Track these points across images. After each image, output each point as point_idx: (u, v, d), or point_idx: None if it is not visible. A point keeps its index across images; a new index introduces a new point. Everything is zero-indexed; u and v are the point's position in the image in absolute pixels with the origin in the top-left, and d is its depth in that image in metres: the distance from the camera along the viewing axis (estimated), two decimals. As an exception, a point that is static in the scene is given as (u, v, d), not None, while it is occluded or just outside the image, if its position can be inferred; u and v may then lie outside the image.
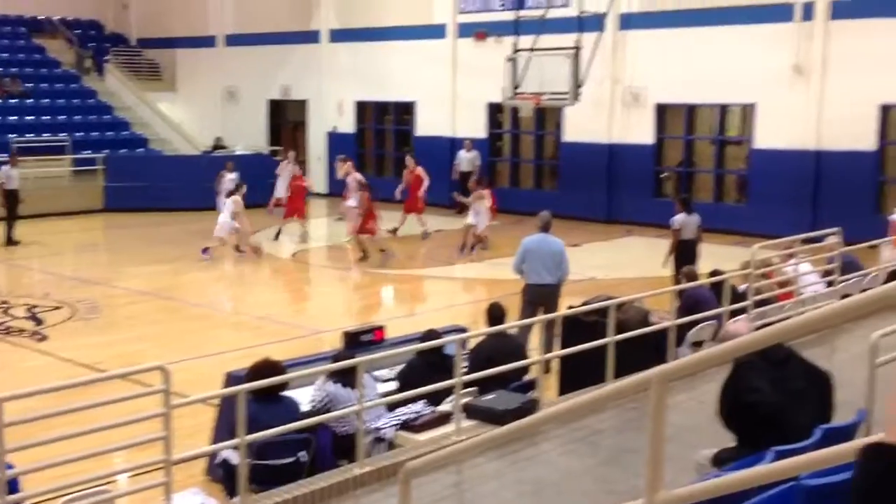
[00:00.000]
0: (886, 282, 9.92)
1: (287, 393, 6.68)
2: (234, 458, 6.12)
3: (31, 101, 28.20)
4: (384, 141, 27.65)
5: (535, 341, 7.69)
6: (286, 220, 19.98)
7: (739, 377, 4.90)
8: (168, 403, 5.44)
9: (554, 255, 10.63)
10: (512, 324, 8.49)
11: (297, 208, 19.87)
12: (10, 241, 19.32)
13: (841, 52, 18.74)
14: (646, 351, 8.39)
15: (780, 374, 4.86)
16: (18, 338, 12.25)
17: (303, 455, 6.53)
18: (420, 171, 20.42)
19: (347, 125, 27.56)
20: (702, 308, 9.01)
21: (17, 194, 19.58)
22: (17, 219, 19.60)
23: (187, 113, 31.29)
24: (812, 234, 11.95)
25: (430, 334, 7.75)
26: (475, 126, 24.45)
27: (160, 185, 23.48)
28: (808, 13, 19.05)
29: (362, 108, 27.42)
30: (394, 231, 19.96)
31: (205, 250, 17.45)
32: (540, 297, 10.51)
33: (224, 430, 6.74)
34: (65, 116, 28.04)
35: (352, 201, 18.62)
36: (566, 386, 8.51)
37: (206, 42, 30.74)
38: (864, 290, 9.86)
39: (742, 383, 4.85)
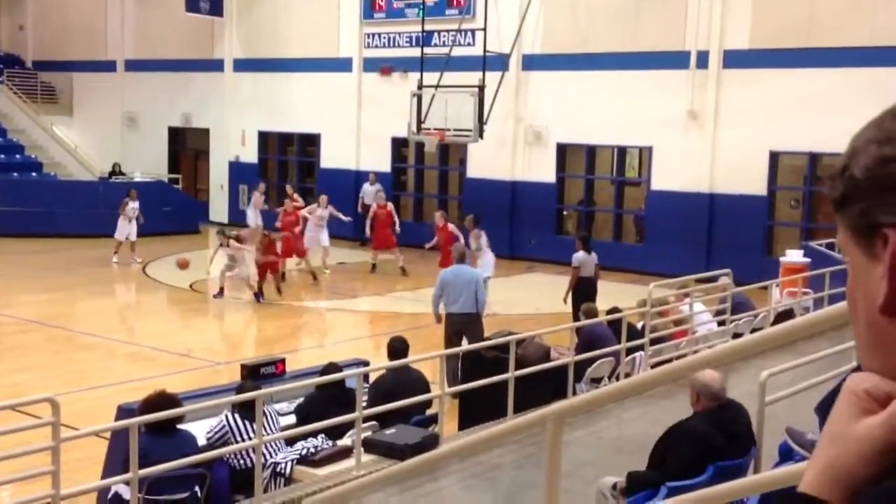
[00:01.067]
0: (775, 322, 10.28)
1: (184, 426, 6.53)
2: (125, 492, 5.95)
3: (-82, 120, 27.13)
4: (287, 172, 27.46)
5: (436, 376, 7.70)
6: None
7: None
8: (57, 436, 5.28)
9: (469, 284, 11.06)
10: (420, 356, 8.49)
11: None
12: None
13: (733, 99, 19.48)
14: (546, 386, 8.51)
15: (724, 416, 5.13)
16: None
17: (197, 490, 6.38)
18: (390, 207, 20.69)
19: (250, 155, 27.29)
20: (600, 345, 9.18)
21: None
22: None
23: (84, 138, 30.51)
24: (705, 275, 12.33)
25: (331, 367, 7.70)
26: (380, 159, 24.51)
27: (53, 211, 22.79)
28: (702, 61, 19.77)
29: (265, 138, 27.22)
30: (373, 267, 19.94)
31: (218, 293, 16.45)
32: (461, 325, 10.97)
33: (116, 464, 6.54)
34: (-47, 137, 27.06)
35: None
36: (466, 420, 8.54)
37: (106, 66, 30.11)
38: (755, 330, 10.21)
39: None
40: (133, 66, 29.61)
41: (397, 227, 20.48)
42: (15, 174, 26.59)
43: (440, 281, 11.20)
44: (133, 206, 20.36)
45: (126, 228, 20.24)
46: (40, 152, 28.89)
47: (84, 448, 7.41)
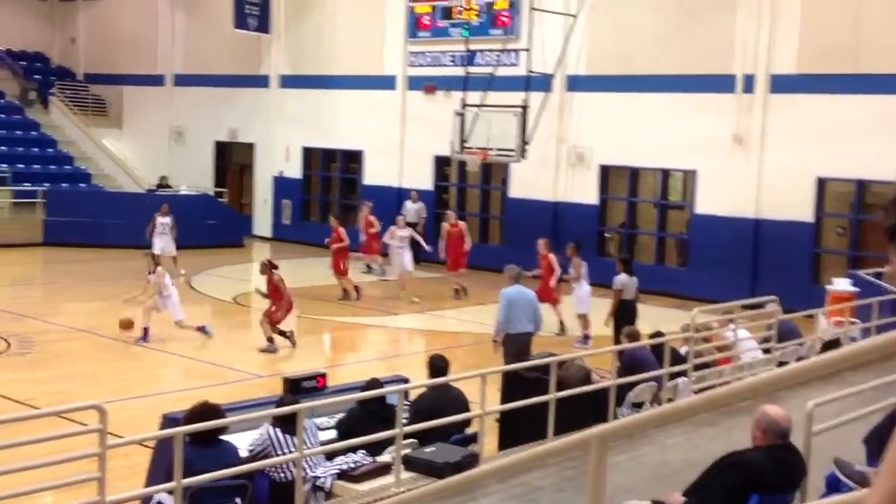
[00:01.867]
0: (822, 351, 10.15)
1: (227, 437, 6.59)
2: (168, 501, 6.01)
3: (-28, 129, 27.75)
4: (330, 188, 27.66)
5: (475, 394, 7.70)
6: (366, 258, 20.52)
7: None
8: (104, 443, 5.35)
9: (530, 304, 11.43)
10: (460, 375, 8.49)
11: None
12: None
13: (780, 124, 19.33)
14: (586, 409, 8.46)
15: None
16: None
17: (238, 502, 6.43)
18: (462, 225, 20.13)
19: (294, 170, 27.53)
20: (643, 369, 9.11)
21: None
22: None
23: (133, 150, 30.99)
24: (751, 301, 12.20)
25: (373, 383, 7.73)
26: (422, 177, 24.62)
27: (101, 222, 23.15)
28: (748, 86, 19.64)
29: (309, 154, 27.45)
30: (462, 290, 19.44)
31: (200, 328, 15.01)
32: (523, 345, 11.11)
33: (159, 472, 6.62)
34: (6, 147, 27.61)
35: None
36: (506, 441, 8.52)
37: (155, 80, 30.59)
38: (800, 359, 10.09)
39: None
40: (182, 80, 30.05)
41: (467, 246, 19.92)
42: (65, 185, 27.06)
43: (507, 301, 11.36)
44: (163, 221, 20.31)
45: (159, 242, 20.17)
46: (90, 164, 29.39)
47: (128, 456, 7.51)
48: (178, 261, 20.45)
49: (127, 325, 14.41)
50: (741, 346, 10.42)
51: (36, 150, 28.59)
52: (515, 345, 11.15)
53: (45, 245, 23.77)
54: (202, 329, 14.63)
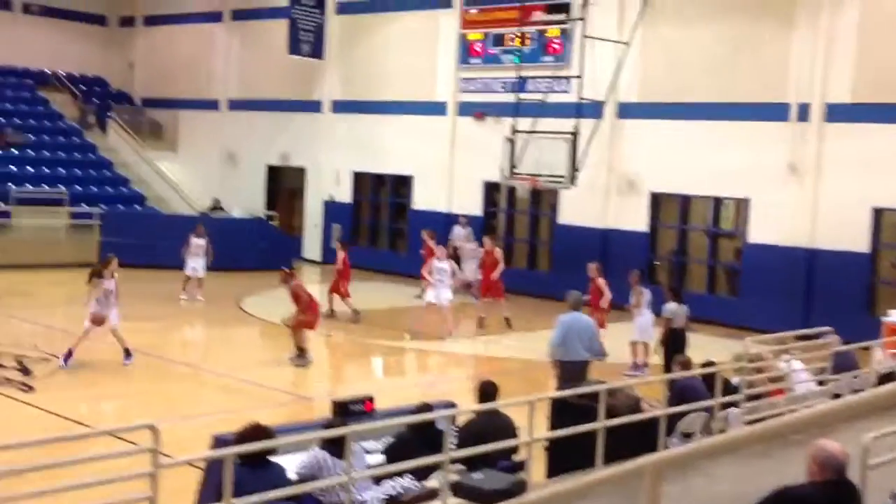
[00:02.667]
0: (878, 384, 9.94)
1: (275, 459, 6.62)
2: (217, 522, 6.04)
3: (32, 152, 28.38)
4: (379, 212, 27.83)
5: (523, 420, 7.65)
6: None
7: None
8: (156, 463, 5.39)
9: (588, 333, 11.29)
10: (509, 401, 8.45)
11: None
12: None
13: (835, 153, 19.08)
14: (635, 439, 8.36)
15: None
16: (5, 387, 12.13)
17: (286, 524, 6.44)
18: (498, 253, 19.51)
19: (344, 195, 27.75)
20: (694, 398, 9.00)
21: None
22: None
23: (186, 173, 31.48)
24: (807, 332, 12.00)
25: (423, 408, 7.72)
26: (471, 203, 24.66)
27: (155, 243, 23.50)
28: (803, 114, 19.43)
29: (360, 178, 27.66)
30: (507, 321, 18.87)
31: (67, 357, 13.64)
32: (576, 373, 10.91)
33: (209, 493, 6.66)
34: (64, 170, 28.21)
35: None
36: (554, 468, 8.44)
37: (209, 105, 31.11)
38: (856, 392, 9.89)
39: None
40: (235, 105, 30.52)
41: (496, 275, 19.26)
42: (121, 207, 27.55)
43: (561, 327, 11.21)
44: (198, 242, 20.30)
45: (191, 263, 20.21)
46: (145, 186, 29.90)
47: (178, 476, 7.56)
48: (202, 284, 20.36)
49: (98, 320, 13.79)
50: (795, 378, 10.24)
51: (93, 172, 29.17)
52: (567, 371, 11.03)
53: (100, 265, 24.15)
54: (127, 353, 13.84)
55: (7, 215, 24.68)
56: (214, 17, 30.97)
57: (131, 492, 5.82)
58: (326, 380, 14.76)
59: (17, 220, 24.68)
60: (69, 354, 13.53)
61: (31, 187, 26.13)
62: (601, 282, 16.26)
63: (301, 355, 14.58)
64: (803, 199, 19.49)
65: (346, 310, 18.55)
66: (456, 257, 21.86)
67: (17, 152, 28.06)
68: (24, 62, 32.53)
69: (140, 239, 24.13)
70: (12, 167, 27.20)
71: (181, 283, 20.14)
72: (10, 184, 25.70)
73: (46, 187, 26.52)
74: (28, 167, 27.51)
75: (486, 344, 17.72)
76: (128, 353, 13.85)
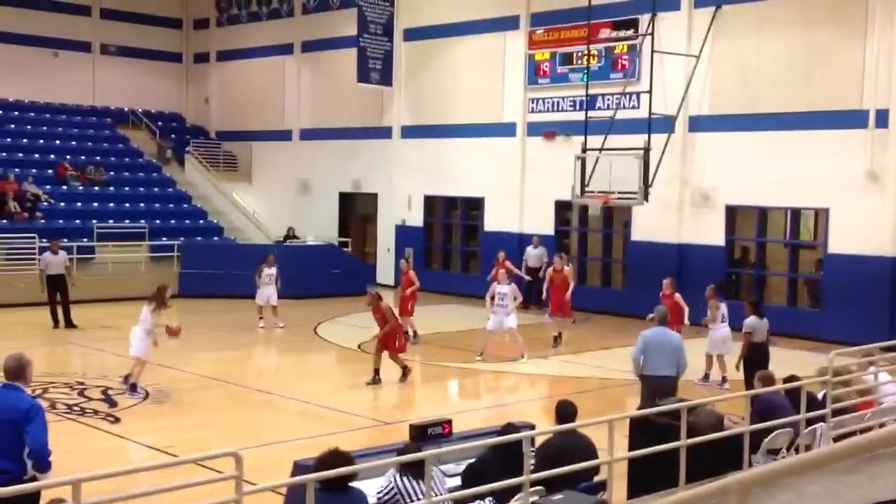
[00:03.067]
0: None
1: (355, 484, 6.66)
2: (300, 548, 6.09)
3: (113, 188, 29.24)
4: (451, 235, 27.92)
5: (602, 441, 7.57)
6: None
7: None
8: (240, 490, 5.47)
9: (673, 349, 11.11)
10: (588, 421, 8.37)
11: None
12: (69, 324, 19.77)
13: (916, 158, 18.57)
14: (718, 457, 8.20)
15: None
16: (93, 419, 12.46)
17: (368, 549, 6.47)
18: (567, 271, 19.57)
19: (416, 219, 27.93)
20: (778, 414, 8.80)
21: (63, 279, 19.90)
22: (68, 303, 19.90)
23: (261, 203, 32.08)
24: (894, 343, 11.66)
25: (509, 428, 7.68)
26: (543, 222, 24.59)
27: (232, 273, 23.95)
28: (882, 120, 18.96)
29: (430, 202, 27.81)
30: (558, 337, 18.93)
31: (127, 381, 14.03)
32: (659, 389, 10.77)
33: (291, 519, 6.73)
34: (144, 204, 28.99)
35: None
36: (635, 489, 8.33)
37: (282, 136, 31.69)
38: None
39: None
40: (307, 134, 31.03)
41: (568, 295, 19.38)
42: (199, 238, 28.17)
43: (642, 342, 11.18)
44: (269, 272, 20.37)
45: (265, 292, 20.34)
46: (222, 217, 30.55)
47: (260, 502, 7.67)
48: (277, 311, 20.59)
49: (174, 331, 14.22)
50: (882, 390, 9.95)
51: (171, 205, 29.93)
52: (649, 387, 10.98)
53: (180, 296, 24.68)
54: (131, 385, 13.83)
55: (91, 250, 25.42)
56: (285, 49, 31.59)
57: (216, 519, 5.92)
58: (402, 404, 14.79)
59: (100, 254, 25.42)
60: (133, 385, 13.76)
61: (112, 222, 26.89)
62: (678, 297, 16.17)
63: (377, 378, 14.90)
64: (884, 206, 18.99)
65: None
66: (531, 279, 21.83)
67: (98, 189, 28.94)
68: (103, 101, 33.65)
69: (217, 269, 24.62)
70: (95, 204, 28.05)
71: (257, 312, 20.41)
72: (93, 220, 26.51)
73: (128, 222, 27.28)
74: (110, 203, 28.35)
75: (561, 364, 17.58)
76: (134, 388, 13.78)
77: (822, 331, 18.91)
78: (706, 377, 15.18)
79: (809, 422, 8.83)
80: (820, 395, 9.28)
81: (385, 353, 15.04)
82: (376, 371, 14.95)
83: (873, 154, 19.05)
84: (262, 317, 20.46)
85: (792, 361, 13.91)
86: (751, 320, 13.36)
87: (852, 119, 19.29)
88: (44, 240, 24.00)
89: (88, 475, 5.11)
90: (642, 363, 11.11)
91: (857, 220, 19.29)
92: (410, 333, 18.46)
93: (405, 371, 15.10)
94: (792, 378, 9.49)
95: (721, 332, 15.04)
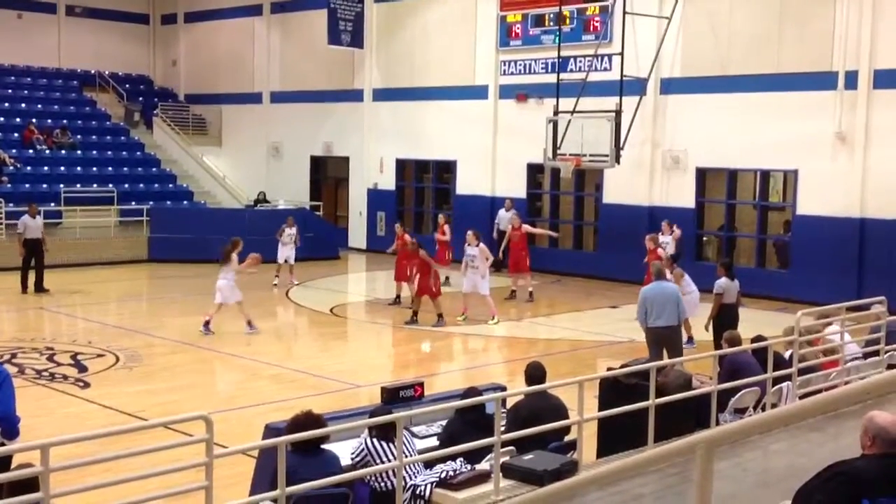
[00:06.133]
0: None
1: (327, 446, 6.69)
2: (272, 510, 6.12)
3: (80, 152, 28.86)
4: (424, 198, 27.87)
5: (572, 401, 7.63)
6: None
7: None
8: (210, 453, 5.47)
9: (671, 299, 12.01)
10: (558, 382, 8.44)
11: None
12: (41, 289, 19.61)
13: (885, 121, 18.69)
14: (687, 416, 8.31)
15: None
16: (62, 384, 12.40)
17: (340, 510, 6.51)
18: (525, 228, 20.31)
19: (388, 182, 27.84)
20: (744, 374, 8.91)
21: (39, 244, 19.81)
22: (42, 268, 19.79)
23: (232, 167, 31.83)
24: (856, 303, 11.82)
25: (471, 392, 7.75)
26: (515, 185, 24.59)
27: (203, 237, 23.81)
28: (851, 82, 19.05)
29: (403, 165, 27.71)
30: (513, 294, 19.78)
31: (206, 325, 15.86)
32: (662, 338, 11.91)
33: (263, 481, 6.76)
34: (112, 168, 28.66)
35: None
36: (605, 448, 8.43)
37: (252, 98, 31.37)
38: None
39: None
40: (278, 97, 30.74)
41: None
42: (168, 202, 27.93)
43: (642, 299, 12.04)
44: (290, 231, 21.27)
45: (284, 252, 21.19)
46: (191, 182, 30.28)
47: (232, 465, 7.69)
48: (294, 270, 21.45)
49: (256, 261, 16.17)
50: (846, 349, 10.08)
51: (140, 169, 29.61)
52: (653, 337, 11.96)
53: (150, 262, 24.57)
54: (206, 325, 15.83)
55: (58, 215, 25.16)
56: (254, 10, 31.19)
57: (187, 482, 5.93)
58: (374, 367, 14.84)
59: (67, 219, 25.16)
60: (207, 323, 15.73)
61: (80, 187, 26.58)
62: (661, 252, 16.99)
63: (415, 319, 16.83)
64: (853, 168, 19.14)
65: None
66: (501, 240, 21.87)
67: (65, 153, 28.57)
68: (69, 64, 33.10)
69: (188, 234, 24.46)
70: (61, 168, 27.70)
71: (274, 271, 21.07)
72: (60, 184, 26.18)
73: (96, 186, 26.98)
74: (77, 167, 28.00)
75: (533, 326, 17.68)
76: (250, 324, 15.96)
77: (791, 291, 19.13)
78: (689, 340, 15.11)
79: (776, 381, 8.95)
80: (787, 355, 9.40)
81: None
82: (415, 313, 16.90)
83: (842, 116, 19.17)
84: (277, 275, 21.16)
85: (760, 322, 14.07)
86: (722, 281, 13.46)
87: (822, 81, 19.36)
88: (10, 204, 23.77)
89: (57, 439, 5.09)
90: (645, 317, 11.94)
91: (825, 181, 19.44)
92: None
93: (440, 316, 16.69)
94: (759, 338, 9.61)
95: (691, 298, 15.10)
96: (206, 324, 15.78)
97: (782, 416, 5.77)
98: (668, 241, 18.09)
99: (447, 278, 20.08)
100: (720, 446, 5.25)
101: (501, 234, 23.26)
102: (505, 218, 23.54)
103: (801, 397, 8.60)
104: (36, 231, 19.87)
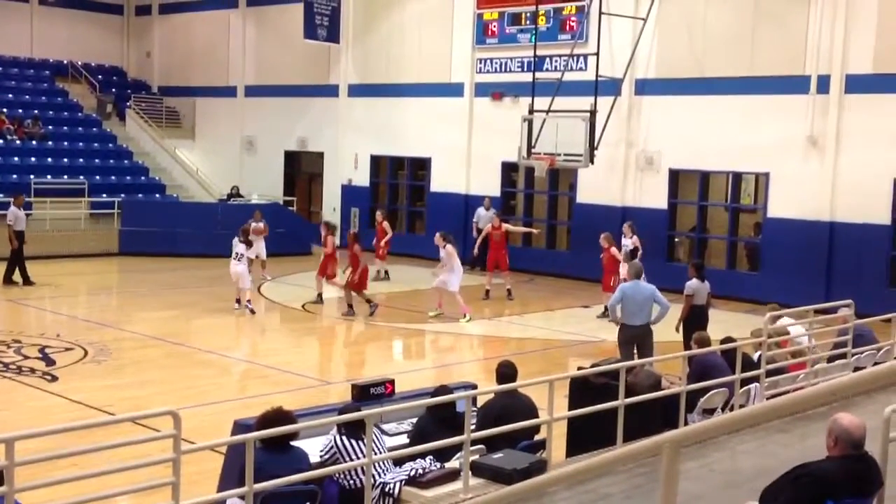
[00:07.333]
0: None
1: (297, 443, 6.67)
2: (240, 506, 6.09)
3: (51, 143, 28.57)
4: (398, 195, 27.84)
5: (543, 401, 7.66)
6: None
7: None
8: (178, 449, 5.44)
9: (647, 299, 12.12)
10: (529, 381, 8.45)
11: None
12: (27, 282, 19.46)
13: (855, 125, 18.89)
14: (656, 416, 8.36)
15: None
16: (30, 377, 12.27)
17: (308, 507, 6.49)
18: (505, 228, 20.38)
19: (362, 178, 27.77)
20: (714, 375, 8.98)
21: (23, 235, 19.69)
22: (23, 259, 19.66)
23: (205, 161, 31.62)
24: (824, 305, 11.94)
25: (442, 390, 7.75)
26: (489, 184, 24.61)
27: (175, 231, 23.65)
28: (823, 86, 19.23)
29: (377, 161, 27.66)
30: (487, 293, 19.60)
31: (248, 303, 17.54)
32: (636, 336, 12.09)
33: (231, 478, 6.72)
34: (83, 160, 28.38)
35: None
36: (574, 447, 8.45)
37: (227, 92, 31.18)
38: (877, 364, 9.83)
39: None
40: (252, 91, 30.57)
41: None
42: (140, 195, 27.71)
43: (620, 292, 12.25)
44: (258, 226, 20.79)
45: (255, 248, 20.29)
46: (164, 174, 30.05)
47: (200, 462, 7.64)
48: (266, 265, 21.29)
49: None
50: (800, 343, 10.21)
51: (112, 161, 29.33)
52: (626, 334, 12.12)
53: (120, 255, 24.37)
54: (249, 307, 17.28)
55: (28, 206, 24.87)
56: (230, 2, 31.01)
57: (154, 478, 5.88)
58: (346, 364, 14.82)
59: (38, 211, 24.89)
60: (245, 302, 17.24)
61: (50, 178, 26.32)
62: (614, 251, 17.18)
63: (350, 312, 17.22)
64: (824, 172, 19.33)
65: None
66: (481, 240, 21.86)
67: (36, 144, 28.26)
68: (41, 54, 32.75)
69: (159, 227, 24.29)
70: (32, 159, 27.39)
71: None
72: (30, 175, 25.90)
73: (66, 178, 26.71)
74: (48, 158, 27.70)
75: (505, 325, 17.72)
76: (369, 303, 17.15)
77: (761, 293, 19.22)
78: None
79: (744, 382, 9.03)
80: (755, 356, 9.48)
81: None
82: (349, 305, 17.32)
83: (814, 120, 19.35)
84: (250, 270, 20.52)
85: (730, 323, 14.19)
86: (692, 283, 13.54)
87: (795, 84, 19.53)
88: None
89: (22, 433, 5.03)
90: (619, 313, 12.08)
91: (796, 184, 19.61)
92: (382, 273, 21.26)
93: (369, 302, 17.26)
94: (728, 339, 9.68)
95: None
96: (250, 309, 17.28)
97: (750, 417, 5.82)
98: (627, 244, 18.14)
99: (386, 272, 21.61)
100: (686, 446, 5.29)
101: (480, 233, 23.28)
102: (484, 217, 23.55)
103: (769, 398, 8.68)
104: (24, 222, 19.77)
